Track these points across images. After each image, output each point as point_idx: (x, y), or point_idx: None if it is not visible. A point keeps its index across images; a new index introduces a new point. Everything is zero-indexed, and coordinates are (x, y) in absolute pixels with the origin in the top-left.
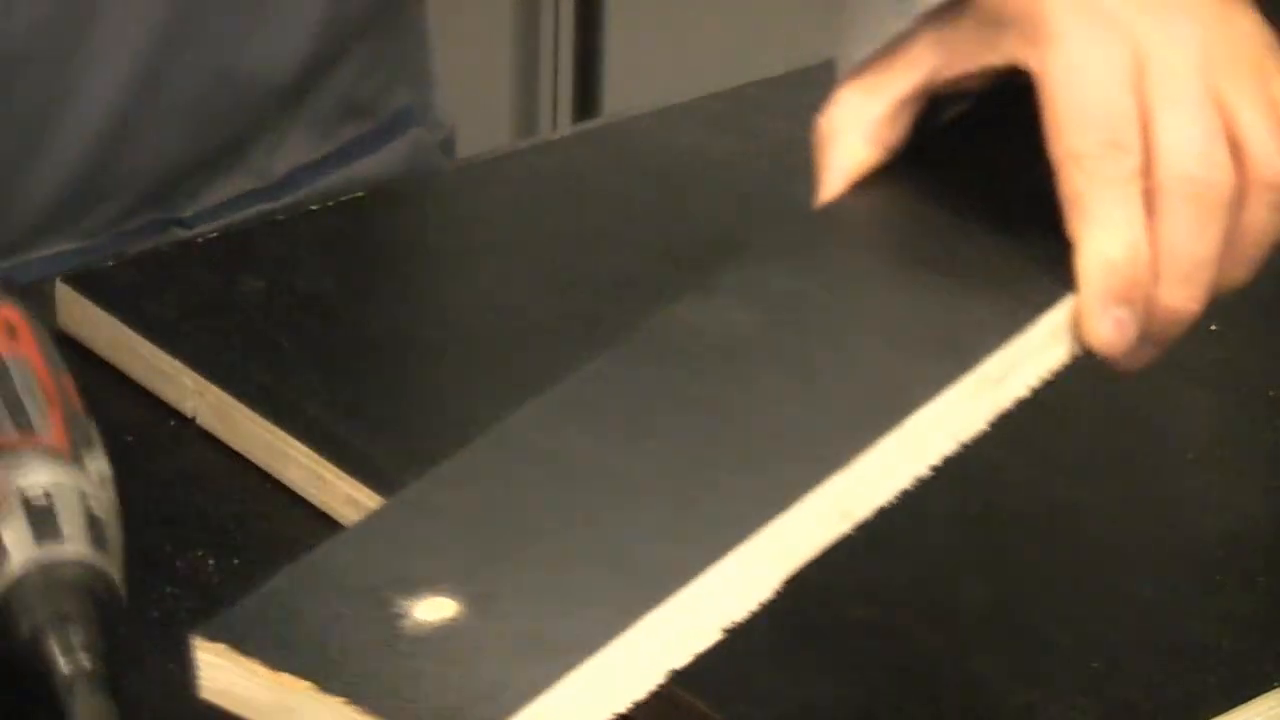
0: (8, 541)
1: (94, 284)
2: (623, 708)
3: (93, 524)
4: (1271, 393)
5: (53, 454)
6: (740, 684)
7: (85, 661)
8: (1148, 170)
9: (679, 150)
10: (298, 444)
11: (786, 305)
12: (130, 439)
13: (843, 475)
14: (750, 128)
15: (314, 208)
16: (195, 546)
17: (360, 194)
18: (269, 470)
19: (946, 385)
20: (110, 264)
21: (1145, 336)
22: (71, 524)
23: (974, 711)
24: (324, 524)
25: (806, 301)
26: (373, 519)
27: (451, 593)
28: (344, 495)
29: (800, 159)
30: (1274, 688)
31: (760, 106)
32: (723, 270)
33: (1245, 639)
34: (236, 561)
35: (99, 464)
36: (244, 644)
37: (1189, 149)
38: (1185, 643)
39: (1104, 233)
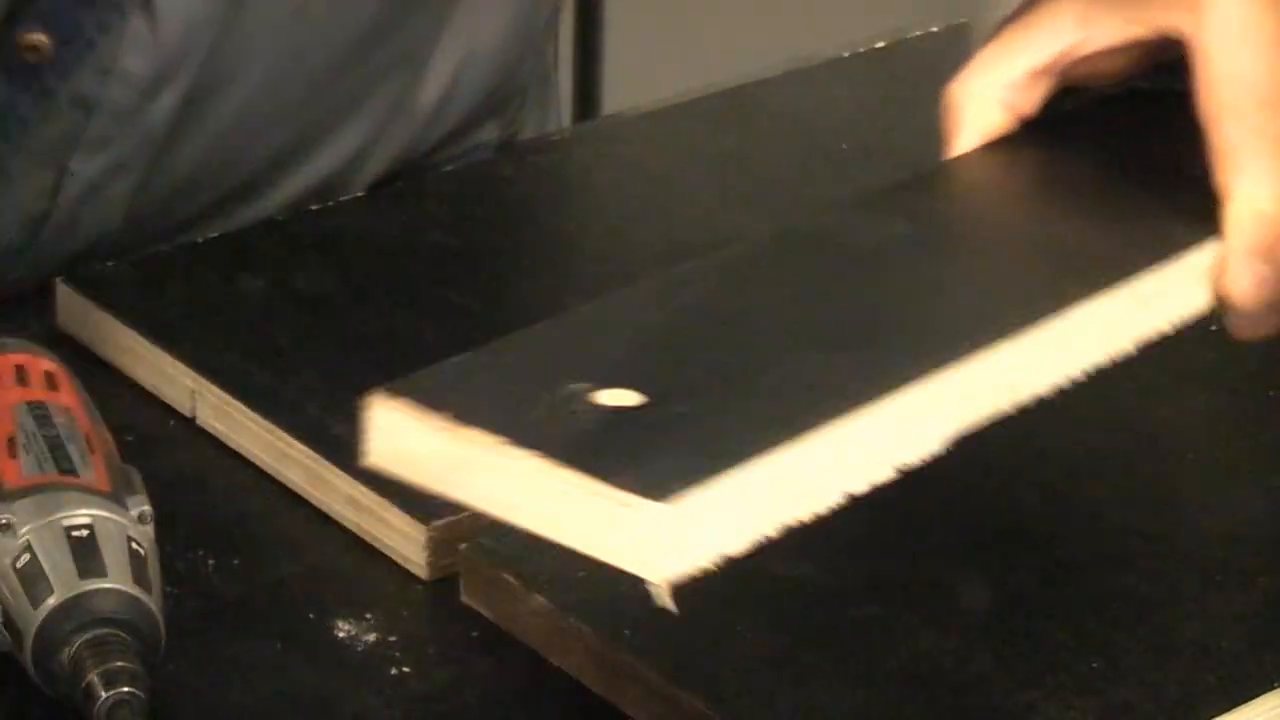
0: (50, 573)
1: (94, 284)
2: (796, 519)
3: (134, 559)
4: (1271, 393)
5: (95, 493)
6: (740, 684)
7: (125, 692)
8: None
9: (679, 150)
10: (298, 444)
11: (939, 220)
12: (130, 439)
13: (1009, 348)
14: (750, 128)
15: (314, 208)
16: (195, 546)
17: (360, 194)
18: (269, 470)
19: (1101, 291)
20: (110, 264)
21: (1273, 301)
22: (113, 558)
23: (974, 711)
24: (324, 524)
25: (958, 219)
26: (546, 326)
27: (633, 386)
28: (344, 495)
29: (801, 159)
30: (1274, 688)
31: (760, 106)
32: (864, 195)
33: (1245, 639)
34: (236, 562)
35: (141, 505)
36: (431, 402)
37: None
38: (1185, 643)
39: (1256, 185)
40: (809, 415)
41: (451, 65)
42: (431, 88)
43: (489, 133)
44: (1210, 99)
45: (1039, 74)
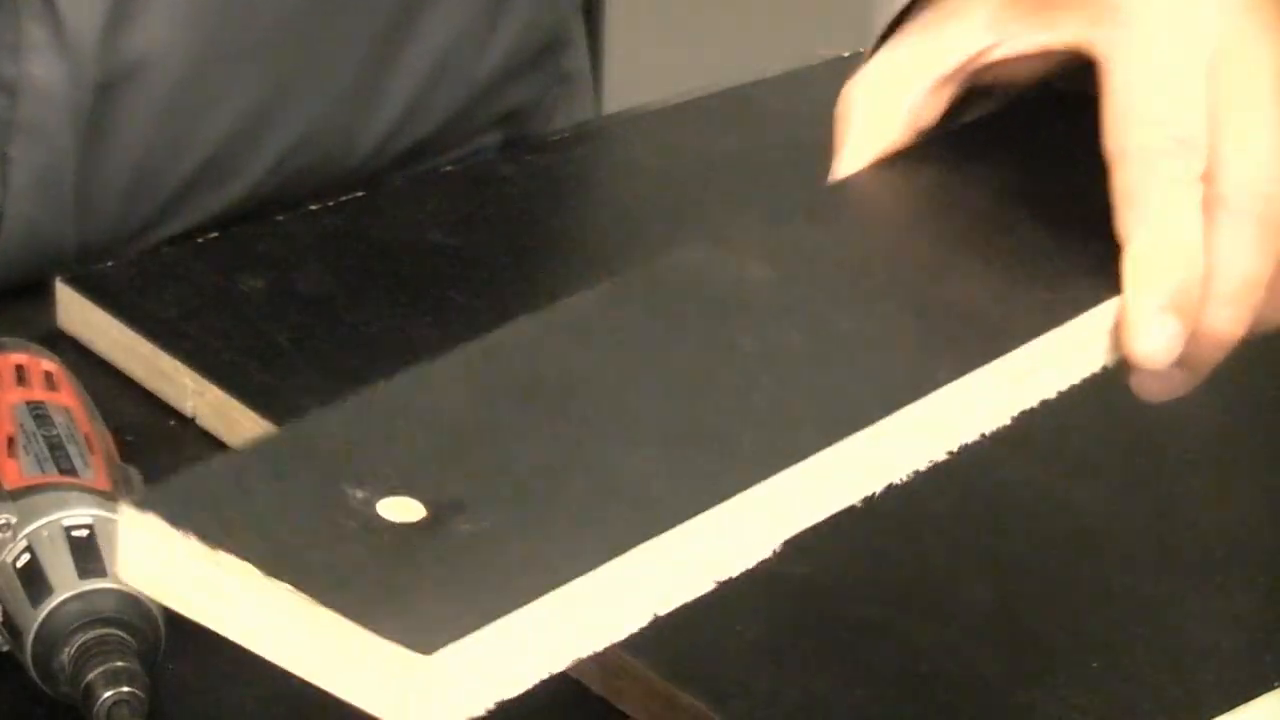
0: (50, 573)
1: (94, 284)
2: (594, 650)
3: None
4: (1271, 393)
5: (95, 493)
6: (740, 684)
7: (125, 691)
8: (1210, 176)
9: (679, 150)
10: None
11: (804, 265)
12: (130, 439)
13: (855, 440)
14: (750, 128)
15: (314, 207)
16: None
17: (360, 194)
18: None
19: (970, 369)
20: (110, 264)
21: (1181, 359)
22: (113, 558)
23: (974, 711)
24: None
25: (826, 265)
26: (331, 411)
27: (419, 495)
28: None
29: (801, 159)
30: (1274, 688)
31: (760, 106)
32: (734, 225)
33: (1245, 639)
34: None
35: None
36: (179, 518)
37: (1260, 160)
38: (1185, 643)
39: (1160, 233)
40: (616, 534)
41: (433, 50)
42: (410, 74)
43: (493, 137)
44: (1117, 132)
45: (945, 81)
